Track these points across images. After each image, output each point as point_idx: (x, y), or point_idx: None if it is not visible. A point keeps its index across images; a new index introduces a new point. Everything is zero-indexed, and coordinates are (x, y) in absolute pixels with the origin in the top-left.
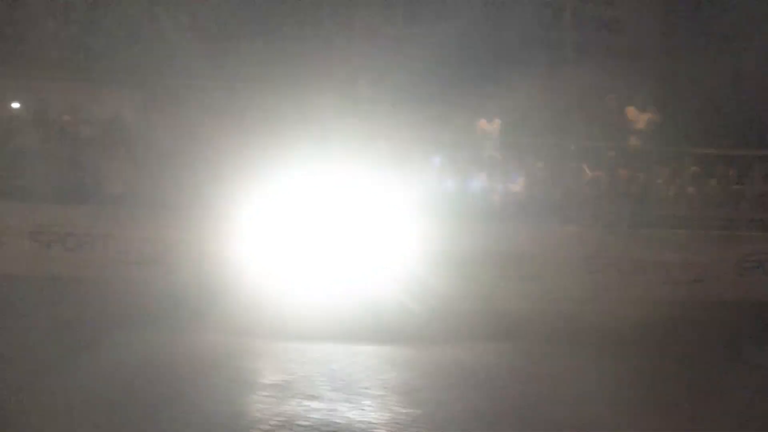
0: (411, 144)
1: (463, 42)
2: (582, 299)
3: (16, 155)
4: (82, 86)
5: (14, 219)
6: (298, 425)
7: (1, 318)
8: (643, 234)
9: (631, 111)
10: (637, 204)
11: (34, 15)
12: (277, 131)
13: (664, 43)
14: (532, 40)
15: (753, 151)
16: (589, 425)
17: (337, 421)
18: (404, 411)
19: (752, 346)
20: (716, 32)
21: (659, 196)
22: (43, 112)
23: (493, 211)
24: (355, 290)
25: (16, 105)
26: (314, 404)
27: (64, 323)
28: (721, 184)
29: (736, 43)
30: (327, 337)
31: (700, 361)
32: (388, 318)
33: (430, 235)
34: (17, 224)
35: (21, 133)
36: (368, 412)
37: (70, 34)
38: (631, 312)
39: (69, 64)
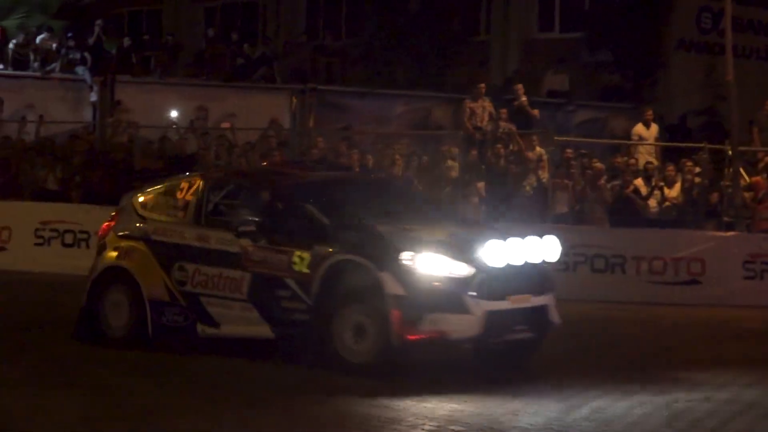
0: (566, 149)
1: (618, 46)
2: (741, 305)
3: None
4: (238, 92)
5: None
6: (452, 429)
7: None
8: None
9: None
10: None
11: (190, 24)
12: (431, 137)
13: None
14: (690, 44)
15: None
16: None
17: (493, 426)
18: (558, 415)
19: None
20: None
21: None
22: (202, 120)
23: (650, 216)
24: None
25: (174, 113)
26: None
27: None
28: None
29: None
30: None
31: None
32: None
33: (587, 241)
34: None
35: (181, 141)
36: (521, 417)
37: (227, 40)
38: None
39: (227, 70)
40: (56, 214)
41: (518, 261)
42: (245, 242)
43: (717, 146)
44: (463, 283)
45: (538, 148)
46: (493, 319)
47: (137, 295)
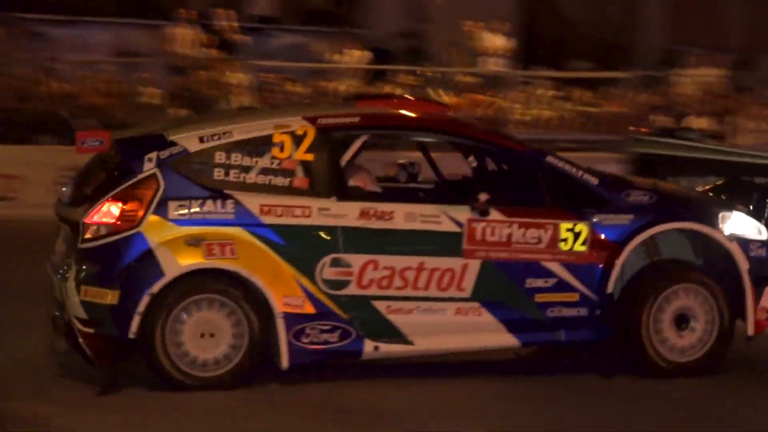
0: (267, 74)
1: None
2: None
3: None
4: None
5: None
6: None
7: None
8: None
9: (487, 35)
10: (495, 128)
11: None
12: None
13: None
14: None
15: (608, 73)
16: None
17: None
18: None
19: None
20: None
21: (517, 120)
22: None
23: None
24: None
25: None
26: None
27: None
28: (577, 107)
29: None
30: None
31: None
32: None
33: None
34: None
35: None
36: None
37: None
38: None
39: None
40: None
41: None
42: (465, 216)
43: (416, 68)
44: None
45: (239, 74)
46: None
47: (255, 310)
